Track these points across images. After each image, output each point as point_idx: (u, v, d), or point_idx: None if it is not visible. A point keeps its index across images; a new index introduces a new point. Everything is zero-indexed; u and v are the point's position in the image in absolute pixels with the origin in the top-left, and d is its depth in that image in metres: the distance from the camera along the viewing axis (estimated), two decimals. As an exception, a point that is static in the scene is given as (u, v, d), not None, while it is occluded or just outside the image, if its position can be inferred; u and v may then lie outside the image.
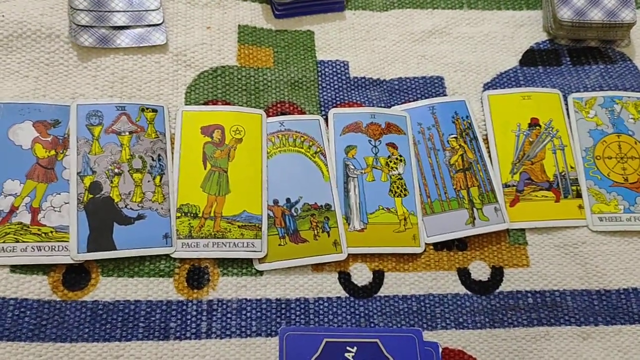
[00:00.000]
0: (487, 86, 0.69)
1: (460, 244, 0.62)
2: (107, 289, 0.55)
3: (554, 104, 0.68)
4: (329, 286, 0.58)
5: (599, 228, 0.63)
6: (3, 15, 0.61)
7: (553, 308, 0.60)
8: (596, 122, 0.67)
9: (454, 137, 0.65)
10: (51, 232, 0.54)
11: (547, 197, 0.64)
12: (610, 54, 0.72)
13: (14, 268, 0.53)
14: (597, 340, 0.59)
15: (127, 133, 0.59)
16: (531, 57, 0.72)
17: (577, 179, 0.65)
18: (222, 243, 0.57)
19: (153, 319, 0.54)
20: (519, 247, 0.62)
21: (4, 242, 0.53)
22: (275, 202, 0.60)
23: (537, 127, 0.66)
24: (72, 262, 0.54)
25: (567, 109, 0.68)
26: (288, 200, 0.60)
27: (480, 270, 0.61)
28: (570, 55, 0.72)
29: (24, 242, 0.54)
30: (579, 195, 0.64)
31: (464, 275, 0.61)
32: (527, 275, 0.61)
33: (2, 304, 0.52)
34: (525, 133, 0.66)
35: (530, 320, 0.59)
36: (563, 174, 0.65)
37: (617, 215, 0.63)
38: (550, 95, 0.68)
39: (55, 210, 0.55)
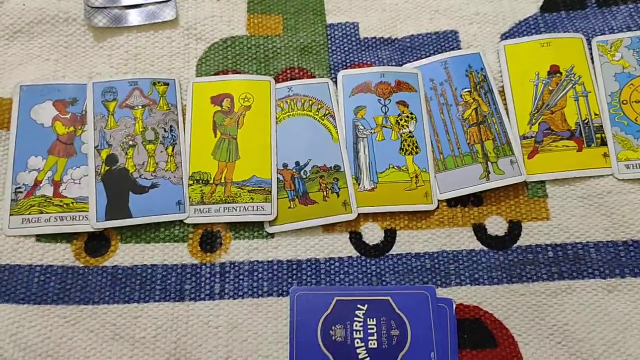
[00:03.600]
0: (505, 36, 0.66)
1: (475, 200, 0.60)
2: (125, 255, 0.58)
3: (576, 49, 0.64)
4: (340, 246, 0.59)
5: (625, 176, 0.59)
6: (24, 4, 0.65)
7: (575, 261, 0.57)
8: (622, 65, 0.63)
9: (468, 91, 0.63)
10: (72, 202, 0.58)
11: (568, 146, 0.61)
12: (641, -9, 0.67)
13: (39, 237, 0.57)
14: (624, 293, 0.56)
15: (140, 107, 0.61)
16: (553, 2, 0.68)
17: (601, 126, 0.61)
18: (233, 207, 0.59)
19: (169, 281, 0.57)
20: (538, 200, 0.60)
21: (29, 213, 0.57)
22: (285, 165, 0.61)
23: (558, 75, 0.63)
24: (92, 230, 0.57)
25: (591, 54, 0.64)
26: (297, 163, 0.61)
27: (496, 225, 0.59)
28: (596, -4, 0.68)
29: (47, 213, 0.57)
30: (603, 143, 0.60)
31: (479, 231, 0.59)
32: (548, 229, 0.59)
33: (29, 270, 0.56)
34: (544, 82, 0.63)
35: (551, 274, 0.57)
36: (586, 121, 0.61)
37: (646, 161, 0.59)
38: (572, 40, 0.65)
39: (75, 183, 0.59)
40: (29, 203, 0.57)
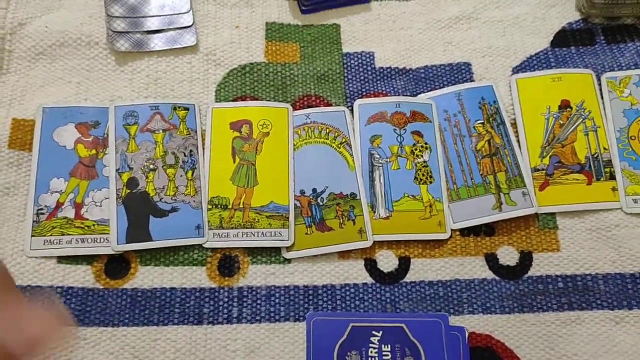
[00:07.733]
0: (516, 70, 0.68)
1: (487, 230, 0.62)
2: (145, 277, 0.58)
3: (586, 84, 0.66)
4: (355, 272, 0.60)
5: (633, 210, 0.61)
6: (47, 27, 0.66)
7: (584, 292, 0.59)
8: (631, 102, 0.65)
9: (481, 123, 0.65)
10: (93, 225, 0.59)
11: (578, 180, 0.62)
12: (647, 30, 0.70)
13: (60, 259, 0.58)
14: (632, 325, 0.58)
15: (161, 131, 0.63)
16: (563, 38, 0.70)
17: (610, 160, 0.63)
18: (251, 233, 0.60)
19: (188, 305, 0.58)
20: (548, 231, 0.62)
21: (51, 235, 0.58)
22: (302, 192, 0.62)
23: (568, 109, 0.65)
24: (112, 252, 0.58)
25: (601, 89, 0.66)
26: (314, 190, 0.62)
27: (508, 255, 0.61)
28: (604, 34, 0.70)
29: (68, 235, 0.58)
30: (612, 177, 0.62)
31: (491, 260, 0.61)
32: (557, 260, 0.60)
33: (50, 292, 0.57)
34: (555, 116, 0.65)
35: (561, 304, 0.59)
36: (595, 155, 0.63)
37: (653, 196, 0.61)
38: (582, 76, 0.67)
39: (96, 205, 0.59)
40: (50, 225, 0.58)
